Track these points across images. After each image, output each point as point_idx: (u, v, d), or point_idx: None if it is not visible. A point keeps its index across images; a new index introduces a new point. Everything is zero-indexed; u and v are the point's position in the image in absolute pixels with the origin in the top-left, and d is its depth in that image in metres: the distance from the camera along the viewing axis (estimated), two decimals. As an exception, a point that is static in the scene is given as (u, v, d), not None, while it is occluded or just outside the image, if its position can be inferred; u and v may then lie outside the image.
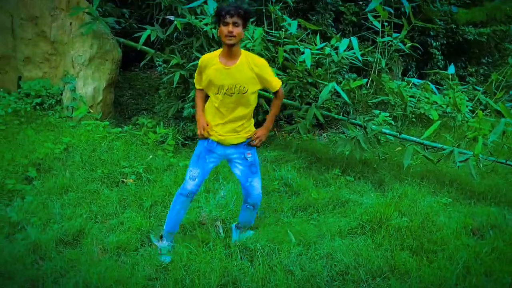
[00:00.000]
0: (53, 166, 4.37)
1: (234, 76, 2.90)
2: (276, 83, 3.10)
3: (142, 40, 5.17)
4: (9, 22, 5.55)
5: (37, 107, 5.45)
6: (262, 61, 2.99)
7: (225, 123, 3.05)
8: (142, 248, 3.40)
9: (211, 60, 2.94)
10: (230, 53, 2.88)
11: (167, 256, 3.24)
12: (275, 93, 3.19)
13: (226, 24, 2.76)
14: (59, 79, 5.70)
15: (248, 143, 3.17)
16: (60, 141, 4.73)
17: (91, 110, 5.55)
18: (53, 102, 5.56)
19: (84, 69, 5.61)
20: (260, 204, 3.45)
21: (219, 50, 2.96)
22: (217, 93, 2.95)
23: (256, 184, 3.24)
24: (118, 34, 6.18)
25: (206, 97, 3.18)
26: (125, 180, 4.35)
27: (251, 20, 5.67)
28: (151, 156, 4.76)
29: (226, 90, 2.92)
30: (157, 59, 5.86)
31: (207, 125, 3.08)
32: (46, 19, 5.54)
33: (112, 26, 5.82)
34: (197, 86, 3.19)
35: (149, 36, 5.15)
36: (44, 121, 5.23)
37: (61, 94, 5.63)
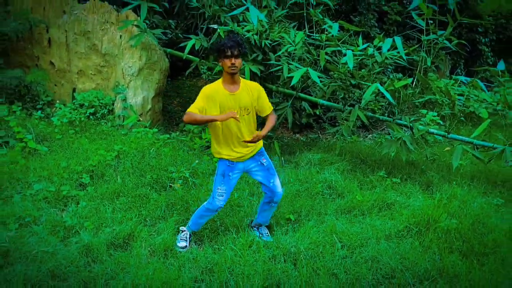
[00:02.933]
0: (106, 172, 4.51)
1: (238, 100, 3.22)
2: (270, 105, 3.42)
3: (187, 49, 5.26)
4: (63, 37, 5.82)
5: (91, 117, 5.66)
6: (256, 84, 3.36)
7: (239, 143, 3.29)
8: (188, 250, 3.43)
9: (217, 89, 3.21)
10: (233, 81, 3.21)
11: (184, 241, 3.52)
12: (268, 116, 3.41)
13: (228, 57, 3.09)
14: (110, 89, 5.90)
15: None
16: (112, 148, 4.88)
17: (140, 119, 5.70)
18: (105, 112, 5.75)
19: (134, 80, 5.77)
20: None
21: (219, 80, 3.25)
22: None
23: (278, 183, 3.49)
24: (165, 44, 6.32)
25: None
26: (172, 185, 4.43)
27: (292, 24, 5.66)
28: (197, 161, 4.82)
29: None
30: (202, 67, 5.95)
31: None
32: (97, 33, 5.75)
33: (159, 37, 5.97)
34: (194, 110, 3.14)
35: (194, 45, 5.23)
36: (97, 130, 5.42)
37: (113, 104, 5.82)
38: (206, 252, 3.38)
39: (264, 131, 3.25)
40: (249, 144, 3.31)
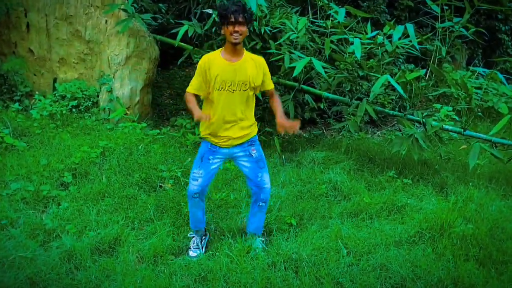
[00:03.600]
0: (89, 171, 4.51)
1: (238, 72, 3.17)
2: (271, 84, 3.42)
3: (179, 36, 5.25)
4: (43, 22, 5.80)
5: (73, 109, 5.66)
6: (262, 59, 3.34)
7: (230, 125, 3.25)
8: (180, 257, 3.44)
9: (213, 59, 3.19)
10: (235, 51, 3.17)
11: (196, 250, 3.48)
12: (270, 94, 3.45)
13: (232, 23, 3.04)
14: (95, 80, 5.89)
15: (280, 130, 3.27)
16: (97, 144, 4.87)
17: (128, 112, 5.70)
18: (89, 104, 5.75)
19: (120, 69, 5.76)
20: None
21: (219, 50, 3.25)
22: (219, 89, 3.17)
23: (266, 178, 3.42)
24: (155, 31, 6.31)
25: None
26: (163, 185, 4.43)
27: (295, 10, 5.65)
28: (189, 159, 4.82)
29: (229, 86, 3.16)
30: (196, 56, 5.92)
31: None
32: (80, 18, 5.74)
33: (148, 22, 5.96)
34: (192, 91, 3.26)
35: (187, 32, 5.22)
36: (80, 124, 5.41)
37: (98, 96, 5.81)
38: (199, 258, 3.38)
39: (282, 117, 3.24)
40: (235, 128, 3.26)
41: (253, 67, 3.22)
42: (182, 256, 3.45)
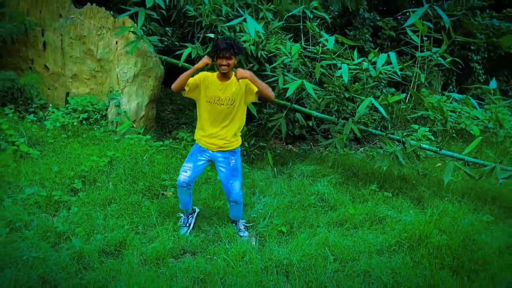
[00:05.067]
0: (98, 178, 4.50)
1: (226, 90, 3.54)
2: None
3: (183, 58, 5.28)
4: (59, 41, 5.81)
5: (84, 122, 5.64)
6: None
7: (216, 132, 3.59)
8: (181, 260, 3.43)
9: (211, 77, 3.57)
10: (225, 76, 3.55)
11: (184, 228, 3.87)
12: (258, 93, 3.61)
13: (222, 57, 3.40)
14: (104, 95, 5.89)
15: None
16: (105, 154, 4.86)
17: (134, 125, 5.70)
18: (98, 117, 5.74)
19: (128, 86, 5.77)
20: (242, 201, 3.87)
21: (216, 72, 3.60)
22: (209, 102, 3.55)
23: (236, 185, 3.71)
24: (161, 52, 6.33)
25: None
26: (165, 193, 4.43)
27: (289, 36, 5.71)
28: (190, 170, 4.81)
29: (218, 100, 3.53)
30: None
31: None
32: (93, 38, 5.76)
33: (155, 44, 5.98)
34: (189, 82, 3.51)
35: (190, 53, 5.26)
36: (90, 135, 5.40)
37: (107, 110, 5.81)
38: (198, 262, 3.37)
39: (254, 77, 3.46)
40: (220, 136, 3.59)
41: (237, 86, 3.54)
42: (183, 259, 3.44)
